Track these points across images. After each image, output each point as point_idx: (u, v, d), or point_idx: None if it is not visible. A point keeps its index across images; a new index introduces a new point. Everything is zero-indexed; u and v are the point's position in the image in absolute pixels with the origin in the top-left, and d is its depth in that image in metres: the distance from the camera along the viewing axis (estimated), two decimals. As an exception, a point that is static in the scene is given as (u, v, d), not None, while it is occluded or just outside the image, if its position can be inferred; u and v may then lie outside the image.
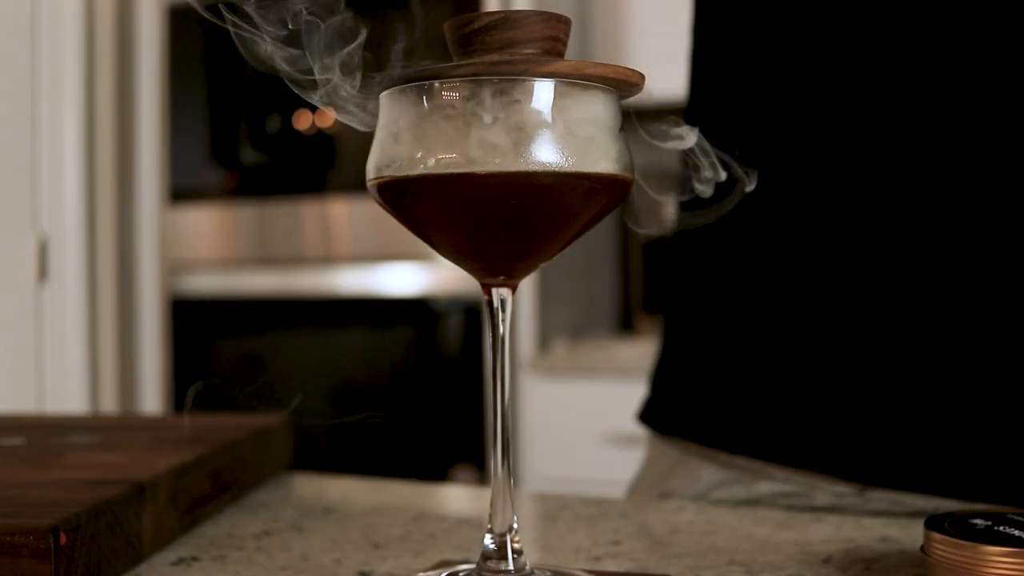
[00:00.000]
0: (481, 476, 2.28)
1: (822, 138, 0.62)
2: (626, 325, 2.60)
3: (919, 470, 0.59)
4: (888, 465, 0.60)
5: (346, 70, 0.42)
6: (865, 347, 0.60)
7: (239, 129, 2.56)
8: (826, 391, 0.62)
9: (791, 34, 0.64)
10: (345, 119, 0.44)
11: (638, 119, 0.45)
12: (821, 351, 0.62)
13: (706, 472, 0.67)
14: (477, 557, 0.46)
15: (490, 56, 0.42)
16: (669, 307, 0.74)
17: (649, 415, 0.74)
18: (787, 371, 0.63)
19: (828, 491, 0.62)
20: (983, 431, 0.57)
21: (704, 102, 0.71)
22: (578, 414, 2.18)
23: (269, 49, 0.41)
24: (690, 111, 0.72)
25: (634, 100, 0.45)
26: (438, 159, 0.41)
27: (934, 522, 0.43)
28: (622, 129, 0.44)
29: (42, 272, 2.38)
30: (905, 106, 0.59)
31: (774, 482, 0.64)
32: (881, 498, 0.61)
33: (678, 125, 0.44)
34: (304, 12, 0.41)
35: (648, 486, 0.72)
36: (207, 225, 2.55)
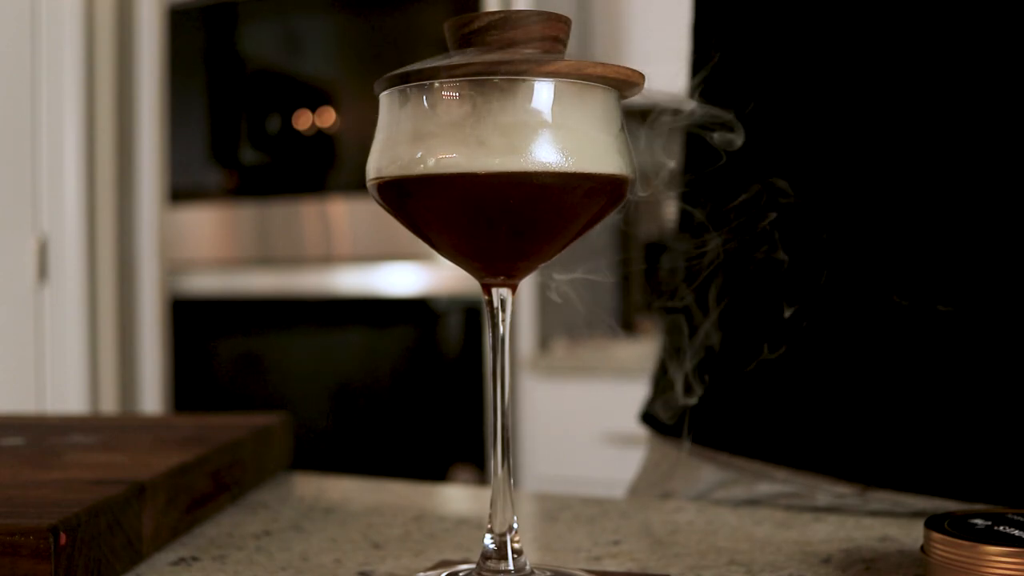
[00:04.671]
0: (481, 476, 2.28)
1: (822, 136, 0.62)
2: (626, 325, 2.60)
3: (919, 471, 0.59)
4: (889, 466, 0.60)
5: None
6: (865, 348, 0.60)
7: (239, 129, 2.56)
8: (826, 392, 0.62)
9: (791, 34, 0.64)
10: None
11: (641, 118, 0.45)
12: (821, 353, 0.62)
13: (706, 472, 0.67)
14: (477, 557, 0.46)
15: (490, 56, 0.42)
16: (669, 307, 0.74)
17: (650, 416, 0.74)
18: (787, 372, 0.63)
19: (829, 492, 0.62)
20: (983, 432, 0.57)
21: (704, 102, 0.71)
22: (578, 414, 2.18)
23: None
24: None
25: (638, 99, 0.45)
26: (438, 159, 0.41)
27: (934, 522, 0.43)
28: (622, 129, 0.44)
29: (42, 272, 2.38)
30: (907, 109, 0.59)
31: (774, 483, 0.64)
32: (882, 499, 0.61)
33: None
34: None
35: (648, 486, 0.72)
36: (207, 225, 2.55)
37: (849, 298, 0.61)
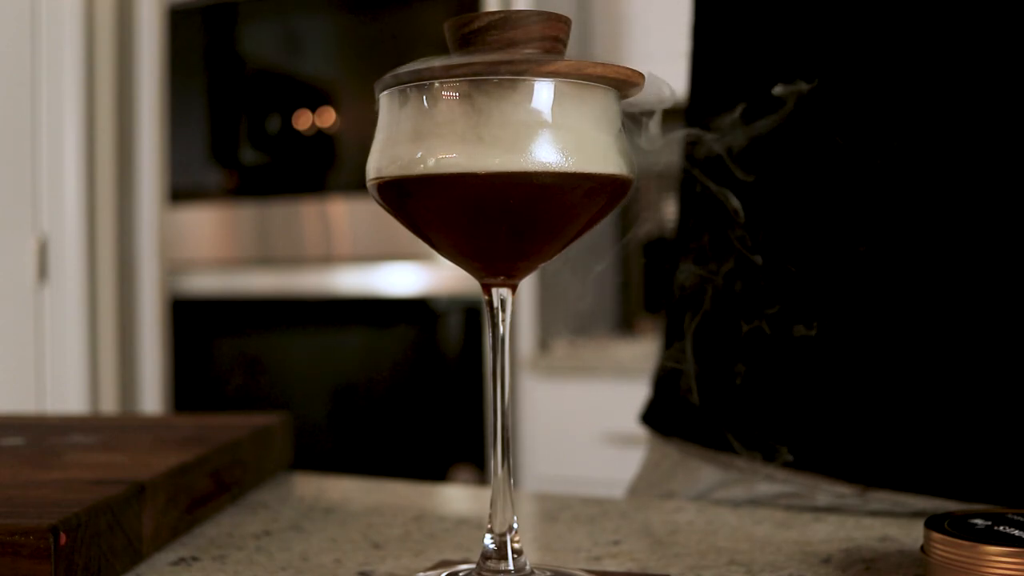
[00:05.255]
0: (481, 476, 2.28)
1: (822, 136, 0.62)
2: (626, 325, 2.60)
3: (919, 471, 0.59)
4: (889, 466, 0.60)
5: None
6: (865, 348, 0.60)
7: (239, 129, 2.56)
8: (827, 392, 0.62)
9: (791, 33, 0.64)
10: None
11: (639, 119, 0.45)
12: (821, 353, 0.62)
13: (706, 473, 0.67)
14: (477, 557, 0.46)
15: (490, 56, 0.42)
16: (671, 307, 0.74)
17: (650, 416, 0.74)
18: (787, 372, 0.63)
19: (829, 492, 0.62)
20: (983, 432, 0.57)
21: (704, 102, 0.71)
22: (578, 414, 2.18)
23: None
24: (690, 111, 0.72)
25: (645, 100, 0.45)
26: (438, 159, 0.41)
27: (934, 522, 0.43)
28: (622, 129, 0.44)
29: (42, 272, 2.38)
30: (910, 105, 0.59)
31: (775, 483, 0.64)
32: (882, 498, 0.61)
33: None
34: None
35: (648, 486, 0.72)
36: (207, 225, 2.55)
37: (850, 299, 0.61)
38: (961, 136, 0.58)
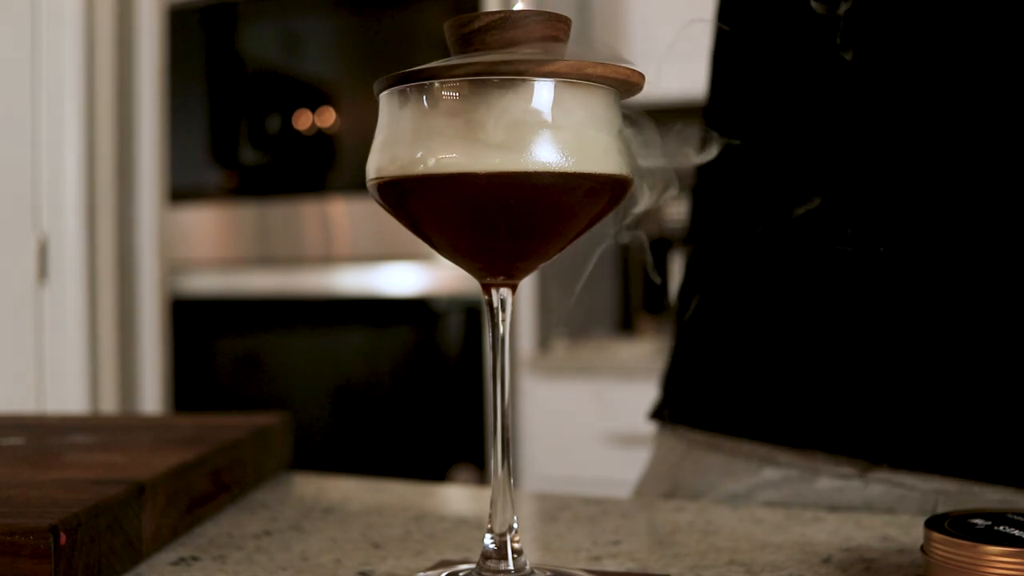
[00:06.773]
0: (481, 476, 2.28)
1: (838, 134, 0.62)
2: (626, 325, 2.60)
3: (923, 449, 0.59)
4: (892, 444, 0.60)
5: None
6: (870, 327, 0.61)
7: (239, 129, 2.56)
8: (831, 371, 0.62)
9: (810, 36, 0.64)
10: None
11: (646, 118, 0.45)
12: (826, 332, 0.62)
13: (713, 461, 0.68)
14: (477, 557, 0.46)
15: (490, 56, 0.42)
16: (681, 301, 0.74)
17: (660, 410, 0.74)
18: (791, 352, 0.64)
19: (831, 473, 0.62)
20: (987, 411, 0.58)
21: (724, 102, 0.71)
22: (578, 414, 2.18)
23: None
24: (709, 110, 0.73)
25: (646, 98, 0.45)
26: (438, 159, 0.41)
27: (934, 522, 0.43)
28: (622, 129, 0.44)
29: (42, 272, 2.38)
30: (920, 104, 0.59)
31: (779, 467, 0.64)
32: (883, 479, 0.61)
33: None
34: None
35: (655, 481, 0.73)
36: (207, 225, 2.55)
37: (854, 278, 0.61)
38: (966, 131, 0.58)
